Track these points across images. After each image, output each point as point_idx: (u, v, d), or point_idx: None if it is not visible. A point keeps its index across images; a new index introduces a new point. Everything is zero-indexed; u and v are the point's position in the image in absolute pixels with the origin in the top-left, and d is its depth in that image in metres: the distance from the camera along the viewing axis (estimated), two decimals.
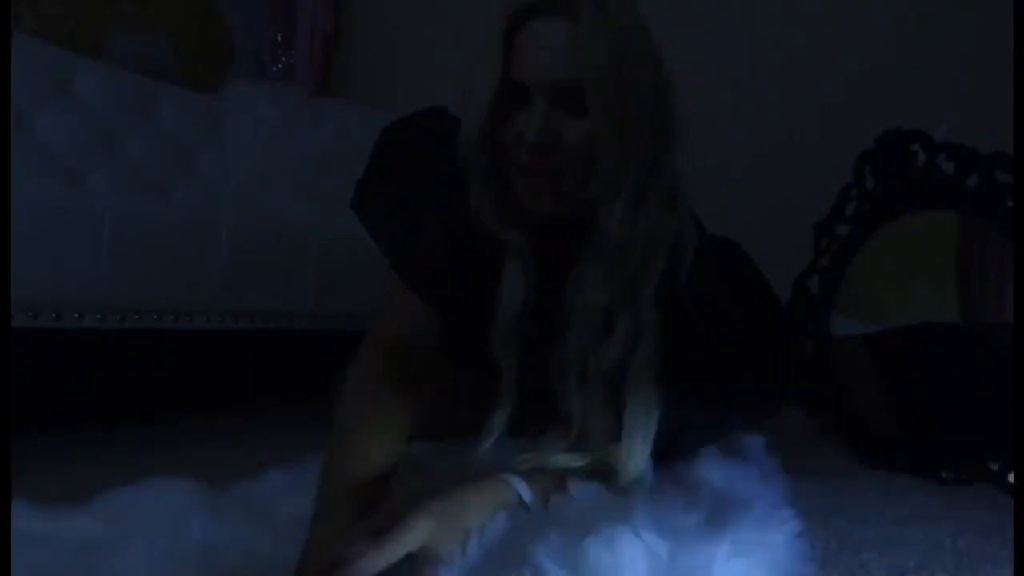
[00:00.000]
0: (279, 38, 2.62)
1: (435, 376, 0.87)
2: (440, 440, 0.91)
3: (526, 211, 0.79)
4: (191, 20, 2.46)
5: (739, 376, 0.83)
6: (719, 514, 0.72)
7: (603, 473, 0.77)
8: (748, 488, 0.84)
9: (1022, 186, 1.28)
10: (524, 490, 0.72)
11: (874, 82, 1.82)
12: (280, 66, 2.62)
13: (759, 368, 0.86)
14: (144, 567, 0.59)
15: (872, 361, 1.59)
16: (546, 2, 0.74)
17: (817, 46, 1.91)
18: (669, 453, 0.85)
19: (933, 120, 1.50)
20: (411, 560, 0.61)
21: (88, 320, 1.16)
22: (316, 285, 1.48)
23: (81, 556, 0.60)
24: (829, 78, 1.89)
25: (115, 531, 0.65)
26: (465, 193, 0.79)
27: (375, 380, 0.79)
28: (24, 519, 0.65)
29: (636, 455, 0.76)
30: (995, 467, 1.27)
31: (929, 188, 1.45)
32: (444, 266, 0.82)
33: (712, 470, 0.88)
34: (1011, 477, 1.25)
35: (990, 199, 1.36)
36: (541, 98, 0.74)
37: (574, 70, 0.72)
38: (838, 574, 0.81)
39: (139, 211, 1.24)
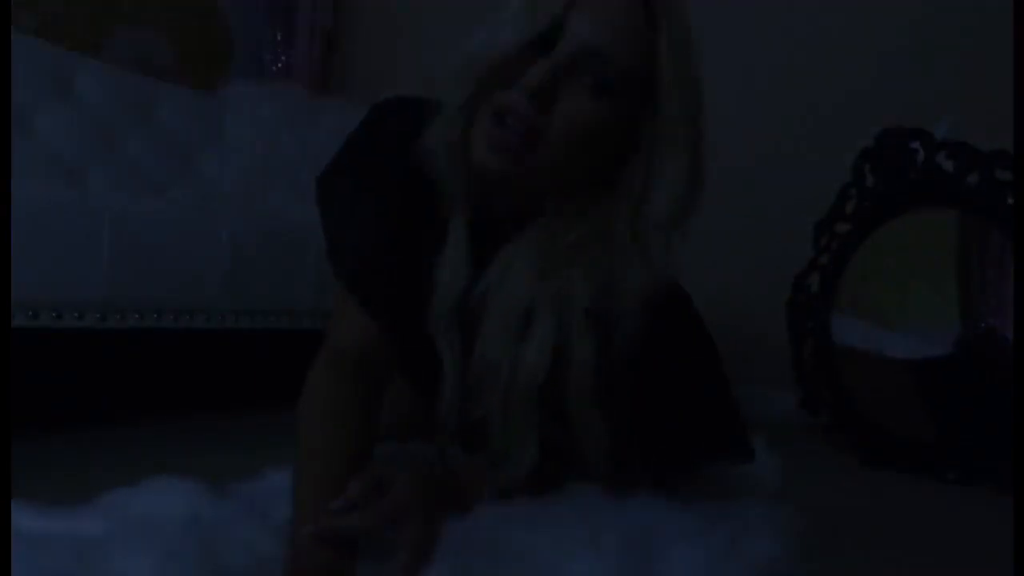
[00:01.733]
0: (278, 37, 2.61)
1: (393, 383, 0.83)
2: (409, 440, 0.92)
3: (474, 173, 0.70)
4: (191, 20, 2.46)
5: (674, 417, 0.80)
6: (714, 514, 0.72)
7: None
8: (745, 487, 0.84)
9: (1022, 184, 1.28)
10: (491, 486, 0.72)
11: (874, 79, 1.82)
12: (279, 65, 2.62)
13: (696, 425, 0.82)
14: (144, 567, 0.59)
15: (876, 364, 1.59)
16: None
17: (817, 43, 1.91)
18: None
19: (933, 118, 1.50)
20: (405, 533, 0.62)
21: (88, 320, 1.16)
22: (316, 285, 1.48)
23: (81, 556, 0.60)
24: (828, 75, 1.88)
25: (115, 531, 0.65)
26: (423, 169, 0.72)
27: (335, 399, 0.73)
28: (24, 519, 0.65)
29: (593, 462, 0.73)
30: (997, 467, 1.27)
31: (929, 186, 1.45)
32: (381, 269, 0.76)
33: (710, 468, 0.88)
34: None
35: (990, 197, 1.36)
36: (566, 52, 0.65)
37: (624, 49, 0.66)
38: (837, 574, 0.81)
39: (139, 211, 1.24)
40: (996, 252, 1.45)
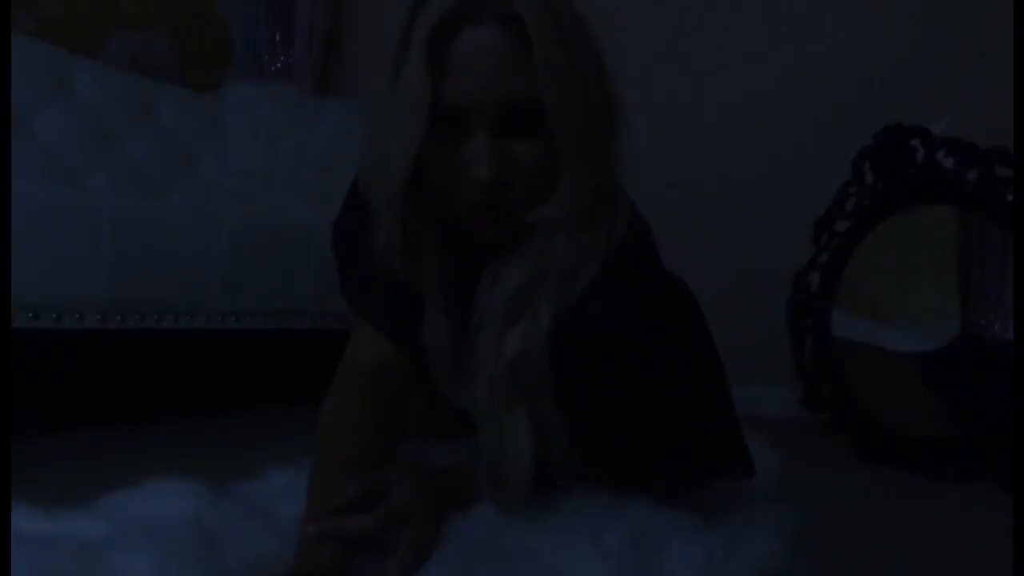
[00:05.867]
0: (277, 37, 2.61)
1: (413, 394, 0.83)
2: (425, 440, 0.92)
3: (462, 241, 0.71)
4: (190, 20, 2.46)
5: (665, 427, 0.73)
6: (715, 513, 0.72)
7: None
8: (746, 486, 0.84)
9: (1022, 180, 1.28)
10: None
11: (873, 78, 1.82)
12: (279, 65, 2.62)
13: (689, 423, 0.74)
14: (144, 567, 0.59)
15: (877, 360, 1.59)
16: (474, 5, 0.61)
17: (816, 42, 1.91)
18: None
19: (933, 117, 1.50)
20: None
21: (89, 321, 1.16)
22: (316, 285, 1.48)
23: (81, 556, 0.60)
24: (828, 74, 1.88)
25: (116, 531, 0.65)
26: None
27: (351, 409, 0.76)
28: (24, 519, 0.66)
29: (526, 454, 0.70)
30: (997, 464, 1.27)
31: (929, 183, 1.45)
32: (390, 295, 0.76)
33: None
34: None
35: (990, 194, 1.36)
36: (484, 125, 0.63)
37: (521, 86, 0.62)
38: (836, 573, 0.81)
39: (139, 211, 1.24)
40: (996, 249, 1.45)
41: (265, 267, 1.40)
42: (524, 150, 0.64)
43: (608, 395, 0.71)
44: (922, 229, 1.51)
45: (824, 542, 0.89)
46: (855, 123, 1.65)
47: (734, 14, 2.00)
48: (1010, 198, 1.33)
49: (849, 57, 1.86)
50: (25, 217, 1.06)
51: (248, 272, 1.36)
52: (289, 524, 0.70)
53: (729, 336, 0.89)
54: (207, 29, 2.52)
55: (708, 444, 0.75)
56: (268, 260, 1.41)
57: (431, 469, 0.72)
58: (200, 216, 1.33)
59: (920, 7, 1.77)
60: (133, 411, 1.46)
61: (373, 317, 0.79)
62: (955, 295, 1.52)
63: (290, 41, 2.62)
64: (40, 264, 1.10)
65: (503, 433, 0.69)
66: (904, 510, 1.12)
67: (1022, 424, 1.08)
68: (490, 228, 0.68)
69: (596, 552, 0.63)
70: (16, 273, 1.00)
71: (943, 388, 1.46)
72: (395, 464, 0.72)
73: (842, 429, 1.52)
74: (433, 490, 0.67)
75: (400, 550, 0.61)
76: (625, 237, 0.71)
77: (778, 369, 1.75)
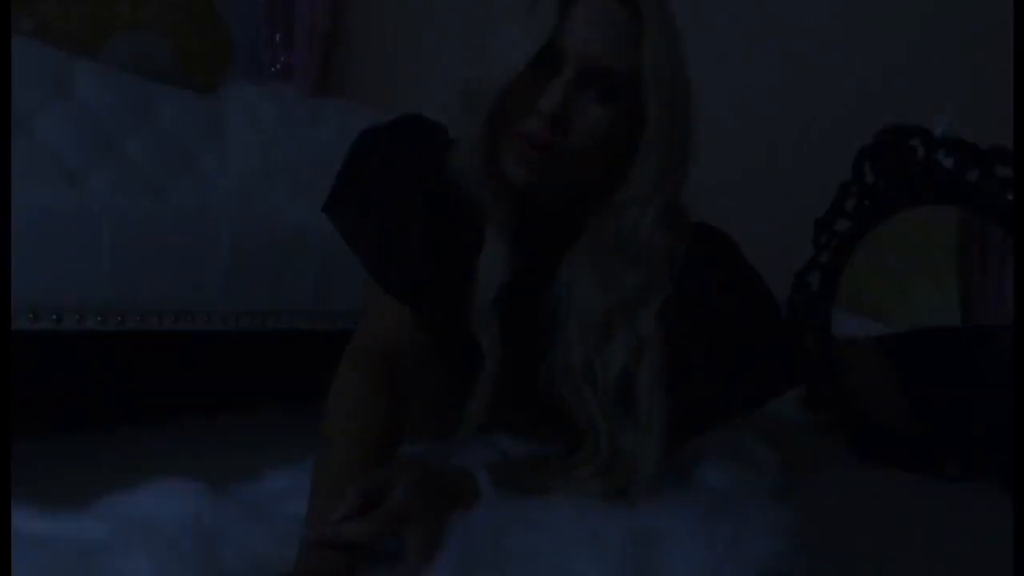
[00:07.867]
0: (277, 38, 2.61)
1: (422, 381, 0.85)
2: (428, 440, 0.92)
3: (506, 183, 0.77)
4: (190, 21, 2.46)
5: (738, 363, 0.85)
6: (715, 513, 0.72)
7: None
8: (746, 486, 0.84)
9: (1022, 180, 1.28)
10: (486, 485, 0.72)
11: (873, 78, 1.82)
12: (279, 66, 2.61)
13: (756, 352, 0.87)
14: (145, 568, 0.59)
15: (879, 359, 1.59)
16: None
17: (816, 41, 1.91)
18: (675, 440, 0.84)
19: (933, 117, 1.50)
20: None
21: (89, 322, 1.16)
22: (316, 285, 1.48)
23: (82, 557, 0.60)
24: (828, 74, 1.88)
25: (116, 532, 0.65)
26: (444, 184, 0.78)
27: (358, 396, 0.76)
28: (24, 520, 0.66)
29: (650, 459, 0.76)
30: (997, 464, 1.27)
31: (929, 183, 1.45)
32: (421, 267, 0.81)
33: (710, 467, 0.88)
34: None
35: (990, 193, 1.36)
36: (571, 73, 0.71)
37: (619, 56, 0.72)
38: (836, 573, 0.81)
39: (139, 211, 1.24)
40: (996, 249, 1.45)
41: (265, 267, 1.40)
42: (594, 112, 0.72)
43: (705, 350, 0.81)
44: (922, 229, 1.51)
45: (824, 542, 0.89)
46: (855, 123, 1.65)
47: (734, 14, 2.00)
48: (1010, 198, 1.33)
49: (849, 57, 1.86)
50: (25, 218, 1.06)
51: (248, 272, 1.36)
52: (289, 524, 0.70)
53: None
54: (207, 29, 2.51)
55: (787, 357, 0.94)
56: (268, 260, 1.41)
57: (430, 469, 0.72)
58: (200, 216, 1.33)
59: (920, 7, 1.77)
60: (133, 411, 1.46)
61: (394, 284, 0.82)
62: (956, 294, 1.52)
63: (290, 41, 2.62)
64: (40, 265, 1.10)
65: (615, 431, 0.77)
66: (904, 510, 1.12)
67: (1022, 424, 1.08)
68: (525, 160, 0.73)
69: (596, 552, 0.63)
70: (16, 274, 1.00)
71: (940, 384, 1.45)
72: (395, 463, 0.72)
73: (842, 429, 1.52)
74: (433, 490, 0.67)
75: (409, 558, 0.61)
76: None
77: None
